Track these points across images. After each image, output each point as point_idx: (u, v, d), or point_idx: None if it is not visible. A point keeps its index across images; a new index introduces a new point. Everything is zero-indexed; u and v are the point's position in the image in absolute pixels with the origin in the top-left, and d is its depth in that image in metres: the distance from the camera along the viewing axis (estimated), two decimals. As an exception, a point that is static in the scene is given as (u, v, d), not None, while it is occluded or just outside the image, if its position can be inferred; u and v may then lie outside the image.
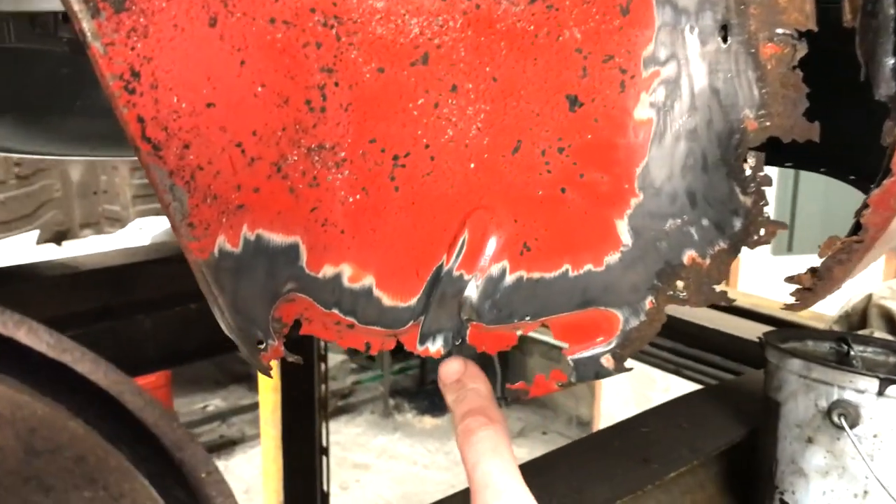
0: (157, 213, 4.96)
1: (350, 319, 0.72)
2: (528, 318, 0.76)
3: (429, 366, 5.77)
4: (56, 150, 1.63)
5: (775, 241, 4.00)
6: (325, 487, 3.27)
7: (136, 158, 0.60)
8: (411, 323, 0.74)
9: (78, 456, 0.39)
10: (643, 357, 2.54)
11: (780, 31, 0.65)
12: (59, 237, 5.05)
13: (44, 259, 2.21)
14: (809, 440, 1.15)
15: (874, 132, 0.70)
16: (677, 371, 2.39)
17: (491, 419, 0.65)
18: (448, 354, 0.76)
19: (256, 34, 0.61)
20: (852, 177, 1.12)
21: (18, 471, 0.37)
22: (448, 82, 0.68)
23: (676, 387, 2.85)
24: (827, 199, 3.60)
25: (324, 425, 3.15)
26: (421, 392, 5.74)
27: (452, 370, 0.72)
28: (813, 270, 0.68)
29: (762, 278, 3.27)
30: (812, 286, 0.68)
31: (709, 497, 1.31)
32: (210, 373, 5.58)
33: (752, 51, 0.66)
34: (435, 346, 0.75)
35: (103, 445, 0.40)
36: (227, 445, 5.17)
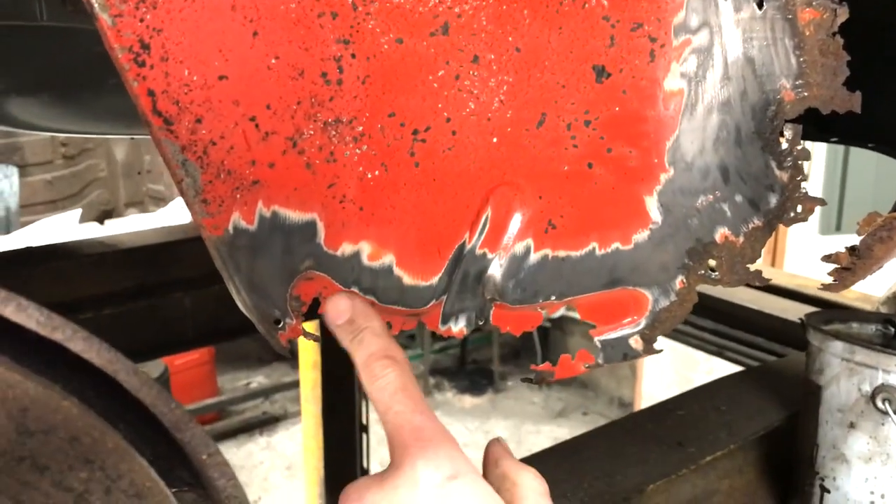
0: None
1: (370, 298, 0.70)
2: (553, 298, 0.74)
3: (469, 346, 5.76)
4: (91, 127, 1.65)
5: (823, 220, 3.90)
6: (364, 464, 3.30)
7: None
8: (433, 302, 0.72)
9: (72, 436, 0.38)
10: (685, 338, 2.49)
11: (819, -6, 0.61)
12: (104, 216, 5.15)
13: (85, 237, 2.24)
14: (852, 425, 1.11)
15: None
16: (720, 353, 2.34)
17: (393, 359, 0.63)
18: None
19: (269, 4, 0.59)
20: (901, 152, 1.08)
21: (11, 451, 0.37)
22: (469, 53, 0.65)
23: (720, 369, 2.81)
24: (878, 176, 3.49)
25: (364, 403, 3.16)
26: (461, 371, 5.74)
27: (341, 309, 0.67)
28: (852, 249, 0.65)
29: (809, 258, 3.18)
30: (851, 265, 0.65)
31: (747, 482, 1.28)
32: (253, 350, 5.65)
33: (790, 16, 0.63)
34: (458, 326, 0.74)
35: (99, 426, 0.39)
36: (269, 422, 5.23)
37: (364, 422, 3.21)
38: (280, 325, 0.67)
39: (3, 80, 1.42)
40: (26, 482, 0.37)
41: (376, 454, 4.32)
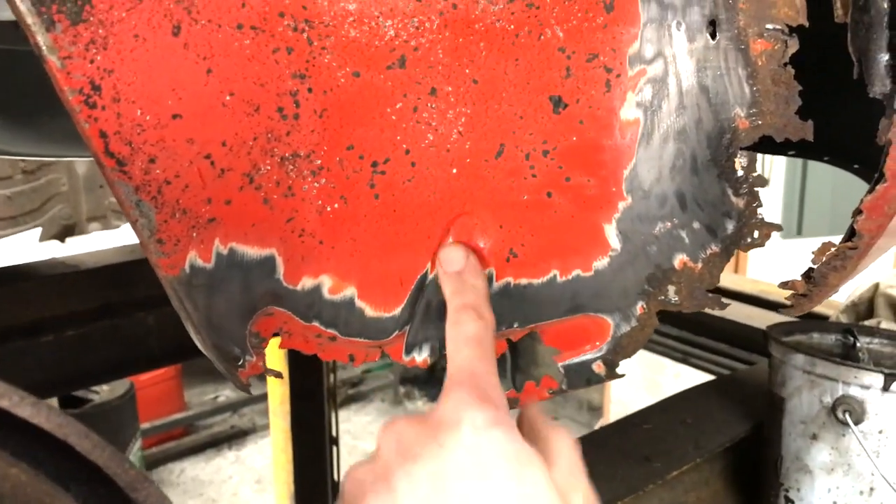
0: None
1: (332, 332, 0.69)
2: (516, 325, 0.74)
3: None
4: (49, 150, 1.62)
5: (784, 224, 3.98)
6: (335, 477, 3.27)
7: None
8: (396, 333, 0.72)
9: (24, 503, 0.37)
10: (650, 346, 2.51)
11: (770, 26, 0.62)
12: (66, 231, 5.06)
13: (46, 257, 2.20)
14: (814, 437, 1.13)
15: (876, 121, 0.67)
16: (685, 360, 2.37)
17: (483, 317, 0.63)
18: (435, 363, 0.74)
19: (223, 41, 0.59)
20: (856, 166, 1.10)
21: (-43, 523, 0.36)
22: (427, 85, 0.65)
23: (686, 373, 2.84)
24: (836, 180, 3.55)
25: (333, 415, 3.14)
26: (431, 379, 5.74)
27: (454, 259, 0.68)
28: (808, 277, 0.66)
29: (771, 263, 3.22)
30: (807, 292, 0.66)
31: (713, 493, 1.29)
32: (220, 363, 5.59)
33: (742, 47, 0.64)
34: (421, 356, 0.74)
35: (50, 490, 0.38)
36: (238, 436, 5.18)
37: (334, 434, 3.19)
38: (240, 363, 0.66)
39: (-44, 103, 1.39)
40: (-25, 554, 0.36)
41: (346, 465, 4.30)
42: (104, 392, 3.84)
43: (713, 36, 0.64)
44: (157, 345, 2.25)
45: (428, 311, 0.72)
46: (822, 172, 3.63)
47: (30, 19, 0.52)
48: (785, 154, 1.24)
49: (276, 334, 0.68)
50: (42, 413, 0.37)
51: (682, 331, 2.31)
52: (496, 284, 0.72)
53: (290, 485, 3.44)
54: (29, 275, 2.03)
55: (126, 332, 2.15)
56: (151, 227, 0.59)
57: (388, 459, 0.54)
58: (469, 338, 0.61)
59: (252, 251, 0.64)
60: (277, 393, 3.40)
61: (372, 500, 0.52)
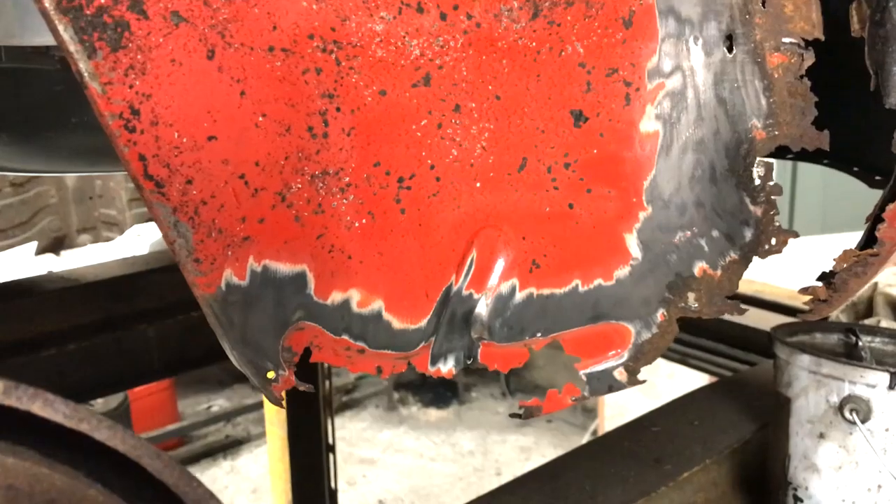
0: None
1: (360, 345, 0.71)
2: (539, 335, 0.75)
3: (432, 358, 5.73)
4: (54, 167, 1.62)
5: (775, 224, 3.97)
6: (332, 485, 3.27)
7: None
8: (422, 344, 0.73)
9: (98, 523, 0.38)
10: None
11: (786, 40, 0.64)
12: (56, 244, 5.04)
13: (43, 271, 2.20)
14: (821, 436, 1.15)
15: (875, 124, 0.69)
16: (682, 360, 2.38)
17: None
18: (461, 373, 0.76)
19: (255, 64, 0.60)
20: (855, 168, 1.12)
21: (39, 543, 0.37)
22: (451, 102, 0.67)
23: (680, 373, 2.85)
24: (826, 180, 3.59)
25: (329, 422, 3.14)
26: (425, 384, 5.74)
27: None
28: (828, 283, 0.68)
29: (763, 263, 3.24)
30: (827, 298, 0.68)
31: (721, 494, 1.31)
32: (213, 373, 5.57)
33: (759, 60, 0.66)
34: (447, 367, 0.75)
35: (123, 510, 0.39)
36: (233, 445, 5.17)
37: (330, 442, 3.19)
38: (274, 378, 0.67)
39: (-41, 121, 1.39)
40: (55, 572, 0.37)
41: (342, 472, 4.30)
42: (98, 405, 3.83)
43: (730, 50, 0.66)
44: (158, 357, 2.25)
45: (453, 322, 0.73)
46: (813, 172, 3.67)
47: (72, 47, 0.53)
48: (784, 158, 1.26)
49: (307, 349, 0.69)
50: (118, 436, 0.38)
51: (679, 332, 2.33)
52: (519, 294, 0.73)
53: (287, 493, 3.44)
54: (30, 290, 2.03)
55: (127, 345, 2.15)
56: (189, 248, 0.60)
57: None
58: None
59: (285, 268, 0.65)
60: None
61: None
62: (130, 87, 0.55)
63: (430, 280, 0.72)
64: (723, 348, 2.26)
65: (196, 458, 4.98)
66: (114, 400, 3.95)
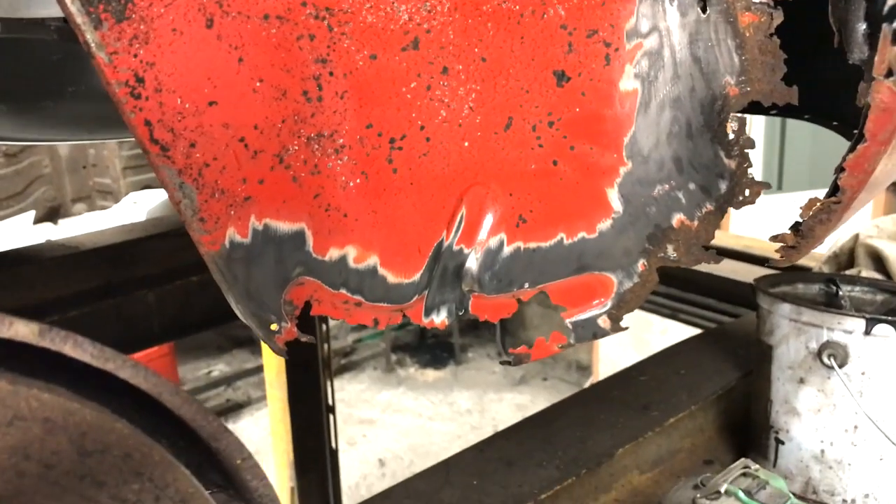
0: (148, 185, 4.96)
1: (357, 298, 0.75)
2: (526, 286, 0.79)
3: (428, 320, 5.79)
4: (53, 135, 1.65)
5: (765, 180, 4.03)
6: (333, 445, 3.34)
7: (132, 138, 0.62)
8: (416, 297, 0.77)
9: (125, 453, 0.43)
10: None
11: (757, 0, 0.67)
12: (51, 213, 5.06)
13: (41, 239, 2.23)
14: (801, 381, 1.20)
15: (854, 79, 0.72)
16: (673, 315, 2.44)
17: None
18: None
19: (252, 31, 0.63)
20: (835, 123, 1.15)
21: (74, 470, 0.41)
22: (439, 65, 0.70)
23: (674, 329, 2.91)
24: (815, 136, 3.62)
25: (329, 384, 3.20)
26: (422, 346, 5.81)
27: None
28: (795, 230, 0.72)
29: (753, 218, 3.29)
30: (796, 244, 0.72)
31: (707, 439, 1.36)
32: (213, 339, 5.64)
33: (731, 20, 0.69)
34: (440, 318, 0.79)
35: (147, 442, 0.44)
36: (233, 409, 5.24)
37: (330, 403, 3.25)
38: (277, 330, 0.71)
39: (-42, 92, 1.41)
40: (88, 497, 0.42)
41: (343, 433, 4.37)
42: (101, 370, 3.88)
43: (704, 10, 0.69)
44: (158, 322, 2.29)
45: (445, 275, 0.77)
46: (802, 129, 3.70)
47: (80, 19, 0.56)
48: (767, 114, 1.30)
49: (307, 302, 0.73)
50: (141, 374, 0.42)
51: (670, 287, 2.38)
52: (507, 248, 0.77)
53: (288, 453, 3.50)
54: (30, 258, 2.06)
55: (127, 310, 2.19)
56: (194, 207, 0.63)
57: None
58: None
59: (284, 226, 0.69)
60: (274, 365, 3.46)
61: None
62: (135, 56, 0.59)
63: (423, 236, 0.75)
64: (712, 303, 2.31)
65: (197, 422, 5.04)
66: (115, 366, 3.99)
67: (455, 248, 0.76)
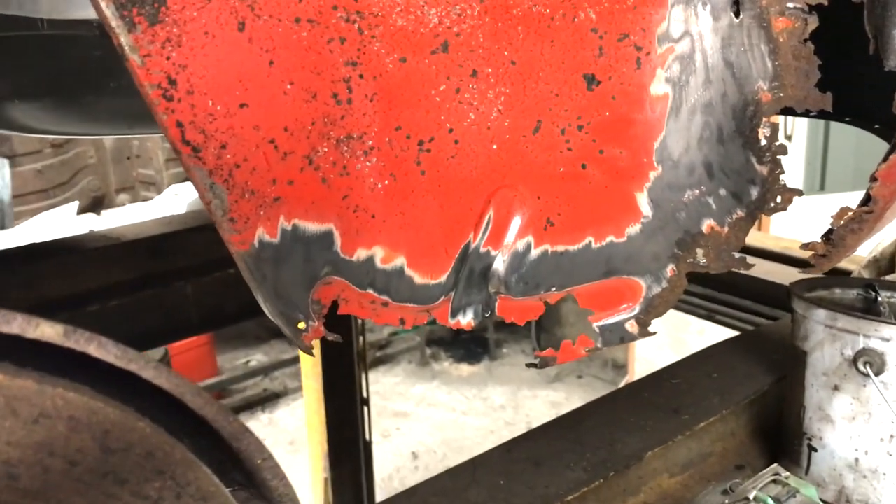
0: (190, 175, 5.03)
1: (384, 298, 0.75)
2: (553, 289, 0.79)
3: (464, 314, 5.79)
4: (93, 129, 1.68)
5: (807, 180, 3.94)
6: (367, 436, 3.36)
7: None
8: (442, 298, 0.78)
9: (147, 451, 0.44)
10: (676, 304, 2.55)
11: (791, 5, 0.66)
12: (96, 203, 5.17)
13: (85, 230, 2.27)
14: (836, 388, 1.18)
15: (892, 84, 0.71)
16: (709, 317, 2.41)
17: None
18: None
19: (283, 34, 0.64)
20: (877, 126, 1.13)
21: (97, 467, 0.42)
22: (468, 68, 0.70)
23: (711, 330, 2.88)
24: (859, 135, 3.55)
25: (363, 377, 3.22)
26: (457, 341, 5.83)
27: None
28: (826, 238, 0.71)
29: (794, 219, 3.23)
30: (826, 253, 0.71)
31: (739, 444, 1.35)
32: (251, 329, 5.71)
33: (765, 25, 0.68)
34: (466, 319, 0.79)
35: (169, 441, 0.45)
36: (270, 399, 5.31)
37: (364, 395, 3.27)
38: (304, 329, 0.72)
39: (5, 85, 1.45)
40: (110, 494, 0.43)
41: (377, 425, 4.40)
42: (140, 359, 3.95)
43: (737, 15, 0.69)
44: (196, 313, 2.33)
45: (471, 277, 0.77)
46: (846, 128, 3.62)
47: (114, 22, 0.57)
48: (807, 116, 1.28)
49: (334, 302, 0.74)
50: (163, 375, 0.43)
51: (707, 288, 2.35)
52: (534, 251, 0.77)
53: (323, 444, 3.54)
54: (73, 248, 2.11)
55: (166, 301, 2.23)
56: (224, 208, 0.64)
57: None
58: None
59: (313, 226, 0.70)
60: (309, 357, 3.49)
61: None
62: (168, 58, 0.60)
63: (450, 238, 0.76)
64: (749, 304, 2.28)
65: (235, 411, 5.12)
66: (155, 354, 4.07)
67: (482, 249, 0.77)
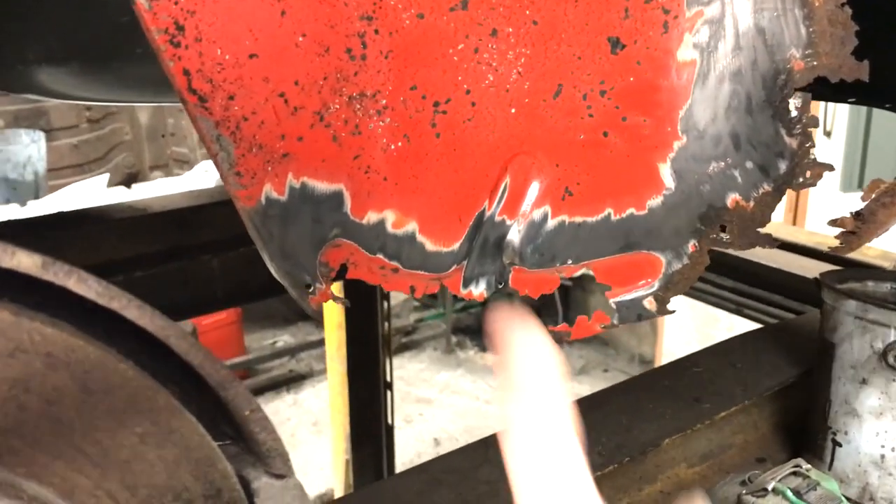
0: (222, 154, 5.05)
1: (394, 264, 0.73)
2: (570, 262, 0.77)
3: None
4: (119, 96, 1.68)
5: (845, 177, 3.86)
6: (389, 421, 3.37)
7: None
8: (454, 267, 0.75)
9: (129, 395, 0.42)
10: (704, 297, 2.51)
11: (828, -34, 0.63)
12: (129, 179, 5.22)
13: (114, 202, 2.28)
14: (864, 381, 1.14)
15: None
16: (738, 311, 2.36)
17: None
18: (492, 297, 0.78)
19: None
20: (918, 113, 1.09)
21: (76, 408, 0.41)
22: (488, 27, 0.68)
23: (740, 326, 2.83)
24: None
25: (387, 361, 3.22)
26: (482, 329, 5.80)
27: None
28: (857, 214, 0.67)
29: (831, 216, 3.15)
30: (856, 229, 0.68)
31: (761, 436, 1.31)
32: (279, 310, 5.74)
33: (800, -12, 0.65)
34: (478, 290, 0.77)
35: (152, 385, 0.43)
36: (296, 379, 5.34)
37: (388, 379, 3.27)
38: (311, 290, 0.70)
39: (33, 49, 1.45)
40: (89, 437, 0.41)
41: (400, 410, 4.40)
42: (168, 335, 3.99)
43: (771, -23, 0.65)
44: (221, 287, 2.33)
45: (485, 246, 0.75)
46: (887, 124, 3.53)
47: (121, -37, 0.55)
48: (844, 101, 1.23)
49: (343, 265, 0.72)
50: (147, 315, 0.41)
51: (737, 282, 2.31)
52: (551, 221, 0.75)
53: (345, 426, 3.55)
54: (99, 218, 2.12)
55: (191, 274, 2.23)
56: (230, 161, 0.63)
57: None
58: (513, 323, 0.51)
59: (322, 186, 0.68)
60: (334, 339, 3.50)
61: None
62: (175, 3, 0.58)
63: (464, 204, 0.74)
64: (780, 299, 2.23)
65: (260, 390, 5.17)
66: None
67: (497, 218, 0.74)
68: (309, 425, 4.85)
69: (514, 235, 0.75)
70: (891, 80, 0.97)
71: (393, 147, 0.70)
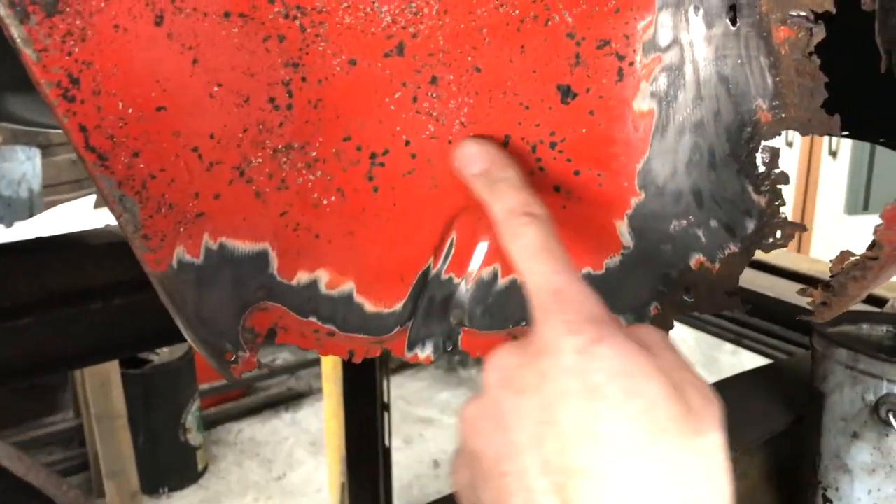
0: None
1: (330, 327, 0.68)
2: (523, 324, 0.71)
3: (494, 321, 5.71)
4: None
5: (850, 199, 3.78)
6: (386, 443, 3.31)
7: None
8: (398, 329, 0.70)
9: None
10: (704, 327, 2.45)
11: (794, 12, 0.57)
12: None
13: (100, 224, 2.24)
14: (855, 435, 1.07)
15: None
16: (737, 341, 2.30)
17: (532, 215, 0.57)
18: (438, 359, 0.72)
19: (209, 30, 0.56)
20: (913, 149, 1.03)
21: None
22: (427, 74, 0.62)
23: (744, 350, 2.76)
24: (908, 154, 3.38)
25: (385, 382, 3.17)
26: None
27: (474, 157, 0.62)
28: (826, 285, 0.61)
29: (836, 240, 3.09)
30: (826, 301, 0.61)
31: (751, 486, 1.25)
32: (279, 327, 5.68)
33: (765, 34, 0.59)
34: (424, 353, 0.71)
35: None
36: (294, 398, 5.27)
37: (385, 400, 3.22)
38: (234, 359, 0.65)
39: (3, 76, 1.40)
40: None
41: (400, 430, 4.33)
42: (164, 354, 3.94)
43: (733, 22, 0.60)
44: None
45: (431, 307, 0.69)
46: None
47: (2, 11, 0.50)
48: (837, 135, 1.17)
49: (271, 329, 0.67)
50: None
51: (736, 312, 2.24)
52: (501, 281, 0.69)
53: (341, 448, 3.49)
54: (78, 242, 2.07)
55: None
56: (136, 223, 0.57)
57: (495, 395, 0.50)
58: (533, 250, 0.55)
59: (244, 246, 0.62)
60: (330, 358, 3.44)
61: (484, 437, 0.50)
62: (69, 54, 0.53)
63: (406, 262, 0.68)
64: (779, 330, 2.16)
65: (258, 409, 5.11)
66: (178, 350, 4.05)
67: (444, 277, 0.69)
68: (307, 445, 4.78)
69: (463, 295, 0.69)
70: (882, 115, 0.91)
71: (325, 202, 0.64)
